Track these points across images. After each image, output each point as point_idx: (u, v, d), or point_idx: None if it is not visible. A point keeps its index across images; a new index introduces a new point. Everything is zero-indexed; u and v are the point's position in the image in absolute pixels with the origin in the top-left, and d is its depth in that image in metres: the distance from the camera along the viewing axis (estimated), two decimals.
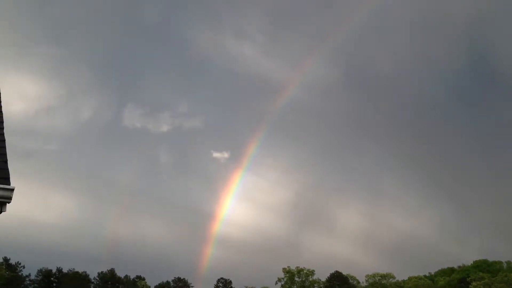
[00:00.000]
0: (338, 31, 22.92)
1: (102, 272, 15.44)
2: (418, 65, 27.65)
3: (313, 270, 15.35)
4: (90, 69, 30.67)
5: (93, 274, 15.49)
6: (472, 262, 16.13)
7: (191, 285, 16.63)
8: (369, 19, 23.07)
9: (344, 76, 29.10)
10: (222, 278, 16.45)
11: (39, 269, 15.00)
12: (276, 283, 15.35)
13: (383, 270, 15.95)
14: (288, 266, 15.39)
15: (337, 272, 15.57)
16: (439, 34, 24.89)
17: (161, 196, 27.29)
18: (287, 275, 15.11)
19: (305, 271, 15.14)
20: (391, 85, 29.38)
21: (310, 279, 15.24)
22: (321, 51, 23.71)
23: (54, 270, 15.00)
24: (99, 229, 22.62)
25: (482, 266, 15.25)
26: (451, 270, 16.26)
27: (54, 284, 14.98)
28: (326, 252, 22.15)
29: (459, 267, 16.36)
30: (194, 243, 22.64)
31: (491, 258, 16.21)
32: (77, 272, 14.95)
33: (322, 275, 15.80)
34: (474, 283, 13.33)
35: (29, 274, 14.86)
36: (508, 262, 16.03)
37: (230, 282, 16.71)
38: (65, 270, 15.12)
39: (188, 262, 20.26)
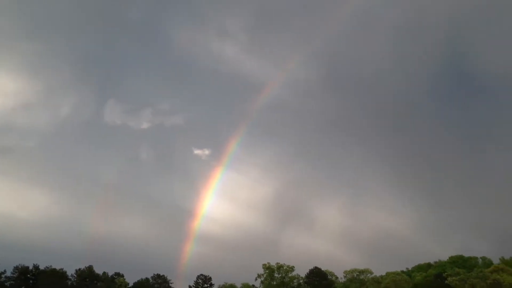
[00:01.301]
0: (321, 33, 23.21)
1: (79, 269, 15.25)
2: (398, 65, 28.04)
3: (293, 266, 15.36)
4: (70, 65, 30.43)
5: (70, 271, 15.29)
6: (448, 258, 16.30)
7: (171, 281, 16.65)
8: (350, 20, 23.37)
9: (326, 76, 29.36)
10: (201, 274, 16.42)
11: (15, 266, 14.72)
12: (256, 279, 15.36)
13: (362, 266, 16.04)
14: (268, 263, 15.41)
15: (316, 268, 15.59)
16: (418, 36, 25.30)
17: (141, 193, 27.26)
18: (267, 271, 15.05)
19: (285, 267, 15.10)
20: (372, 85, 29.74)
21: (290, 275, 15.15)
22: (303, 52, 23.96)
23: (30, 267, 14.69)
24: (78, 225, 22.54)
25: (458, 262, 15.45)
26: (428, 266, 16.43)
27: (31, 281, 14.64)
28: (306, 248, 22.37)
29: (436, 262, 16.56)
30: (174, 239, 22.67)
31: (466, 254, 16.46)
32: (54, 269, 14.74)
33: (302, 271, 15.88)
34: (450, 279, 13.57)
35: (5, 271, 14.54)
36: (483, 258, 16.33)
37: (210, 278, 16.75)
38: (42, 267, 14.93)
39: (168, 259, 20.29)
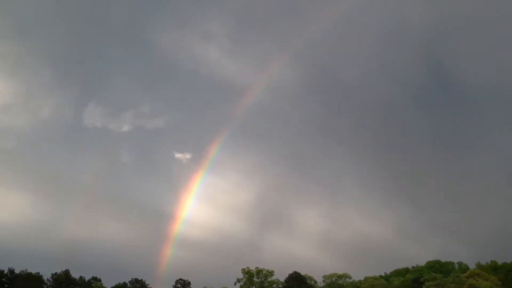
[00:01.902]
0: (304, 37, 23.30)
1: (56, 273, 14.95)
2: (379, 71, 28.28)
3: (272, 271, 15.32)
4: (50, 67, 30.08)
5: (47, 275, 14.99)
6: (425, 263, 16.46)
7: (149, 286, 16.49)
8: (334, 26, 23.53)
9: (308, 81, 29.48)
10: (180, 279, 16.54)
11: None
12: (235, 283, 15.30)
13: (341, 271, 16.09)
14: (247, 267, 15.34)
15: (295, 272, 15.56)
16: (399, 43, 25.57)
17: (120, 196, 26.97)
18: (246, 275, 15.02)
19: (264, 272, 15.06)
20: (353, 90, 29.96)
21: (269, 280, 15.11)
22: (286, 56, 24.03)
23: (5, 271, 14.29)
24: (55, 229, 22.23)
25: (435, 267, 15.61)
26: (405, 271, 16.58)
27: (6, 285, 14.25)
28: (286, 252, 22.40)
29: (413, 267, 16.71)
30: (153, 243, 22.48)
31: (444, 259, 16.66)
32: (30, 273, 14.43)
33: (281, 275, 15.79)
34: (427, 283, 13.70)
35: None
36: (459, 263, 16.54)
37: (189, 283, 16.64)
38: (17, 271, 14.50)
39: (147, 263, 20.12)
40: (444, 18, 23.82)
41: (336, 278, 15.52)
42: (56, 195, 25.32)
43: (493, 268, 14.72)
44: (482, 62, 26.31)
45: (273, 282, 15.21)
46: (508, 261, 14.89)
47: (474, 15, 25.05)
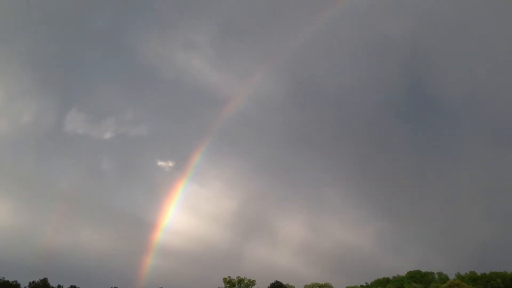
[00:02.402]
0: (286, 49, 23.48)
1: (34, 281, 14.66)
2: (361, 83, 28.55)
3: (254, 280, 15.19)
4: (32, 72, 29.69)
5: (24, 284, 14.61)
6: (406, 273, 16.46)
7: None
8: (316, 38, 23.72)
9: (290, 92, 29.60)
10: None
11: None
12: None
13: (322, 280, 16.12)
14: (229, 276, 15.24)
15: (277, 282, 15.54)
16: (380, 57, 25.86)
17: (101, 204, 26.64)
18: (228, 285, 14.95)
19: (245, 281, 14.97)
20: (336, 101, 30.14)
21: None
22: (269, 67, 24.14)
23: None
24: (34, 236, 21.86)
25: (416, 277, 15.76)
26: (386, 281, 16.74)
27: None
28: (268, 262, 22.34)
29: (394, 277, 16.85)
30: (134, 251, 22.28)
31: (425, 269, 16.71)
32: (7, 281, 14.11)
33: (263, 285, 15.75)
34: None
35: None
36: (439, 274, 16.69)
37: None
38: None
39: (127, 272, 19.86)
40: (425, 35, 24.29)
41: (318, 287, 16.11)
42: (35, 202, 25.00)
43: (472, 278, 14.92)
44: (460, 77, 26.84)
45: None
46: (487, 272, 15.12)
47: (454, 33, 25.58)
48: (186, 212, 24.65)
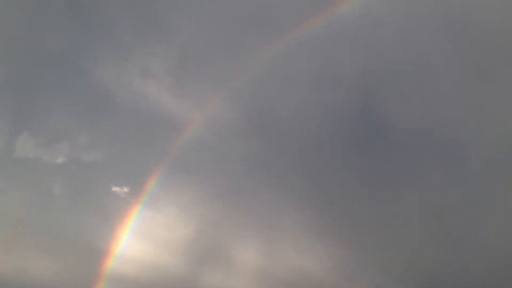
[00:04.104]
0: (243, 77, 23.75)
1: None
2: (314, 112, 28.99)
3: None
4: None
5: None
6: None
7: None
8: (273, 67, 24.08)
9: (247, 119, 29.64)
10: None
11: None
12: None
13: None
14: None
15: None
16: (334, 86, 26.46)
17: (51, 231, 25.55)
18: None
19: None
20: (291, 130, 30.40)
21: None
22: (226, 95, 24.26)
23: None
24: None
25: None
26: None
27: None
28: None
29: None
30: (84, 280, 21.44)
31: None
32: None
33: None
34: None
35: None
36: None
37: None
38: None
39: None
40: (377, 67, 25.10)
41: None
42: None
43: None
44: (409, 107, 27.76)
45: None
46: None
47: (406, 65, 26.52)
48: (140, 238, 24.06)
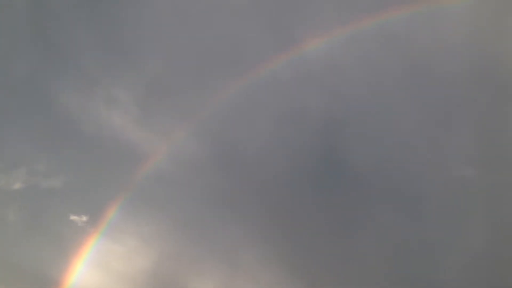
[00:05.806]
0: (209, 112, 23.82)
1: None
2: (278, 149, 29.23)
3: None
4: None
5: None
6: None
7: None
8: (238, 104, 24.32)
9: (210, 153, 29.61)
10: None
11: None
12: None
13: None
14: None
15: None
16: (298, 124, 26.86)
17: (3, 259, 24.55)
18: None
19: None
20: (255, 167, 30.48)
21: None
22: (191, 128, 24.19)
23: None
24: None
25: None
26: None
27: None
28: None
29: None
30: None
31: None
32: None
33: None
34: None
35: None
36: None
37: None
38: None
39: None
40: (339, 107, 25.79)
41: None
42: None
43: None
44: (374, 151, 28.37)
45: None
46: None
47: (369, 107, 27.24)
48: (96, 269, 23.31)
